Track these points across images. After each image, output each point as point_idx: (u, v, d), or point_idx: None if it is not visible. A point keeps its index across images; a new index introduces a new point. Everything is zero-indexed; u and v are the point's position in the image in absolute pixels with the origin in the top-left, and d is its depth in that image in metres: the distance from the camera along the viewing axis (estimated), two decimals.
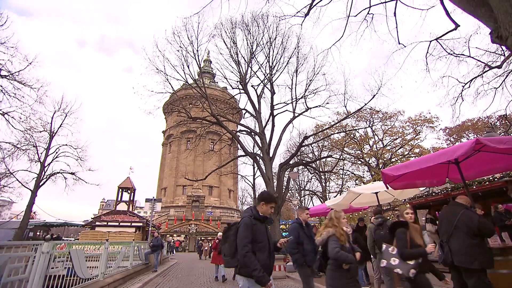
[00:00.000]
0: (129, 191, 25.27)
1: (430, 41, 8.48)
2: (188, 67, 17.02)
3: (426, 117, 25.17)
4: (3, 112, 17.57)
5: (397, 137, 25.86)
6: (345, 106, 16.52)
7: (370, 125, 25.70)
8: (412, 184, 5.90)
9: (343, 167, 28.85)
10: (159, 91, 17.04)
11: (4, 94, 16.79)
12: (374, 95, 15.13)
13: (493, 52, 11.84)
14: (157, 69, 16.46)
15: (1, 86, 16.67)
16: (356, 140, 25.81)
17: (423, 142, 26.03)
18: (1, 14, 16.07)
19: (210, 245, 27.47)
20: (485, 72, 12.39)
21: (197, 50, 16.46)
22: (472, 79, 12.47)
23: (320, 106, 17.43)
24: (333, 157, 26.12)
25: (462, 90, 12.48)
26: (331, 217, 3.60)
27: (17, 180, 21.89)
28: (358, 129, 24.82)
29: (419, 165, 4.39)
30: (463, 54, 11.44)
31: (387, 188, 5.42)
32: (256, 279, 2.63)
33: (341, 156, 25.63)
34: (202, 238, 37.45)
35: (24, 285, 3.86)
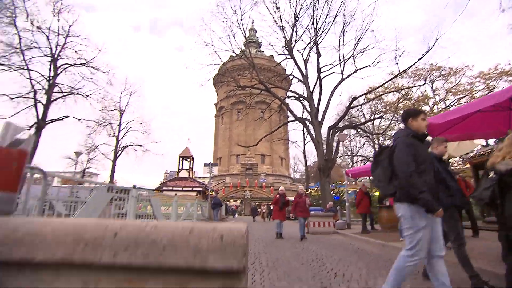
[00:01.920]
0: (188, 160, 28.05)
1: None
2: (234, 37, 17.48)
3: (505, 69, 21.38)
4: (86, 95, 20.89)
5: (464, 95, 22.69)
6: (397, 64, 15.41)
7: (430, 83, 22.88)
8: (464, 136, 5.58)
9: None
10: (208, 63, 18.10)
11: (85, 79, 19.93)
12: (433, 45, 13.77)
13: None
14: (205, 42, 17.33)
15: (83, 73, 19.87)
16: (413, 101, 23.47)
17: None
18: (74, 10, 18.82)
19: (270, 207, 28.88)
20: None
21: (241, 19, 16.76)
22: None
23: (369, 66, 16.55)
24: (385, 118, 24.47)
25: None
26: None
27: (101, 153, 25.96)
28: (413, 87, 22.13)
29: (467, 110, 4.16)
30: None
31: None
32: (423, 203, 2.21)
33: (394, 118, 23.80)
34: (257, 203, 39.99)
35: (124, 218, 5.15)
